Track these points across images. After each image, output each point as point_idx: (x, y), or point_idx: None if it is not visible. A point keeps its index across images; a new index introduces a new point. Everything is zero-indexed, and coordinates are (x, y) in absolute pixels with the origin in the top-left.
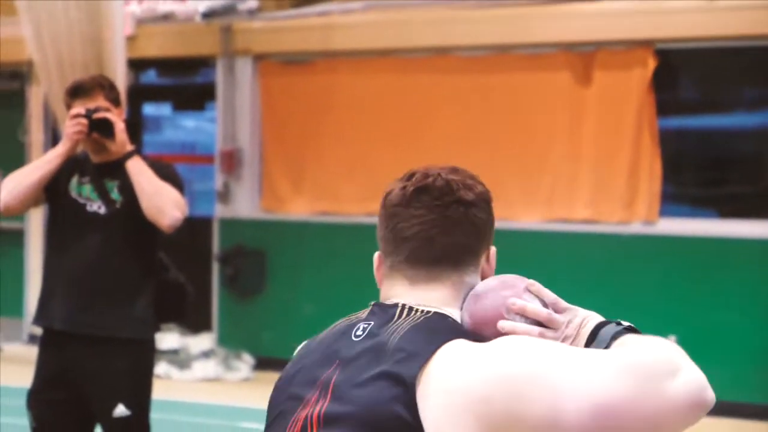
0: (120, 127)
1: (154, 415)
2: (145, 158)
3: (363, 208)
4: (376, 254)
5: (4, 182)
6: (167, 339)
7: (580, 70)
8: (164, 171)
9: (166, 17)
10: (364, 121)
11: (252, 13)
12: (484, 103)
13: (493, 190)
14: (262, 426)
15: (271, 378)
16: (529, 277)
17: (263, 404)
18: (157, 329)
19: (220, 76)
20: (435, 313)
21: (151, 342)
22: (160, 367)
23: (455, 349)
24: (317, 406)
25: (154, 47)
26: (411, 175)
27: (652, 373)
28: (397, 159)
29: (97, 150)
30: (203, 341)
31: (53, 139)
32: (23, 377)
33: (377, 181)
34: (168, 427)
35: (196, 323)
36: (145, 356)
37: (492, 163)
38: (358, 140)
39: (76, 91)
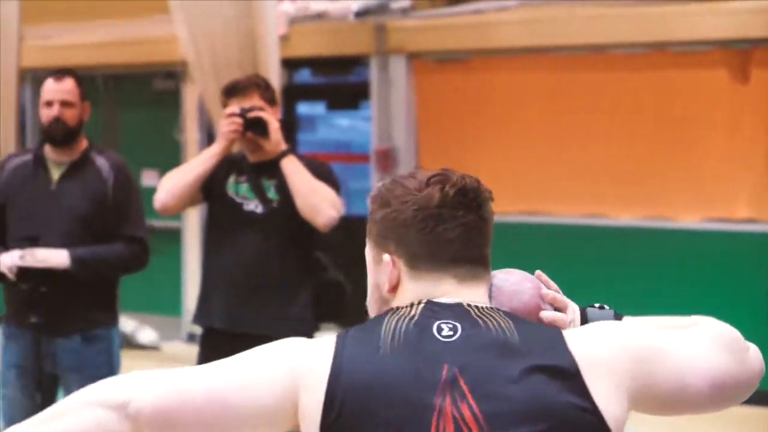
0: (274, 126)
1: None
2: (301, 157)
3: (520, 207)
4: (388, 256)
5: (162, 181)
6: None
7: (737, 67)
8: (320, 170)
9: (320, 16)
10: (519, 119)
11: (405, 11)
12: (640, 101)
13: (651, 189)
14: None
15: None
16: (690, 277)
17: None
18: (316, 329)
19: (374, 74)
20: (497, 309)
21: None
22: None
23: (580, 334)
24: (460, 408)
25: (307, 46)
26: (438, 177)
27: (738, 347)
28: (554, 157)
29: (252, 149)
30: None
31: (208, 138)
32: None
33: (534, 180)
34: None
35: (354, 323)
36: None
37: (649, 161)
38: (514, 138)
39: (232, 90)
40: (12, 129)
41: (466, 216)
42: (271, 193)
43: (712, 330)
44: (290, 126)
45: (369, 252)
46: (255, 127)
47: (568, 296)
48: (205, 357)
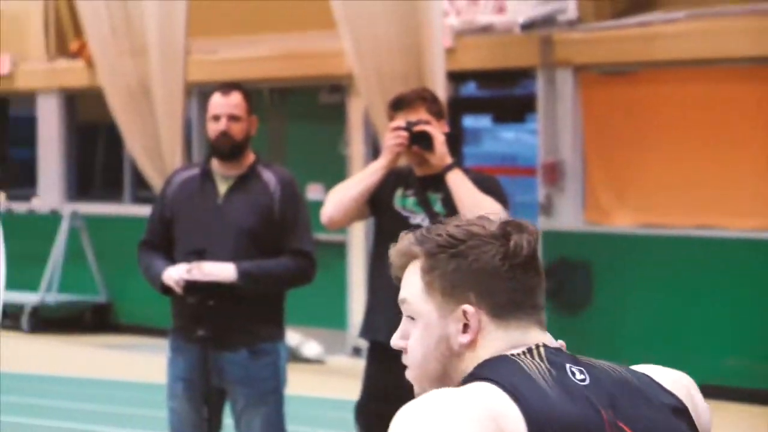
0: (440, 140)
1: None
2: (468, 171)
3: (691, 221)
4: (471, 307)
5: (329, 195)
6: None
7: None
8: (487, 183)
9: (485, 29)
10: (687, 131)
11: (572, 23)
12: None
13: None
14: None
15: None
16: None
17: None
18: None
19: (540, 87)
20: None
21: None
22: None
23: (657, 373)
24: None
25: (473, 59)
26: (514, 225)
27: None
28: (723, 170)
29: (418, 163)
30: None
31: (374, 151)
32: (347, 390)
33: (704, 194)
34: None
35: None
36: None
37: None
38: (682, 151)
39: (399, 104)
40: (178, 143)
41: (538, 263)
42: (438, 207)
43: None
44: (456, 139)
45: (427, 305)
46: (420, 140)
47: (739, 311)
48: (371, 371)
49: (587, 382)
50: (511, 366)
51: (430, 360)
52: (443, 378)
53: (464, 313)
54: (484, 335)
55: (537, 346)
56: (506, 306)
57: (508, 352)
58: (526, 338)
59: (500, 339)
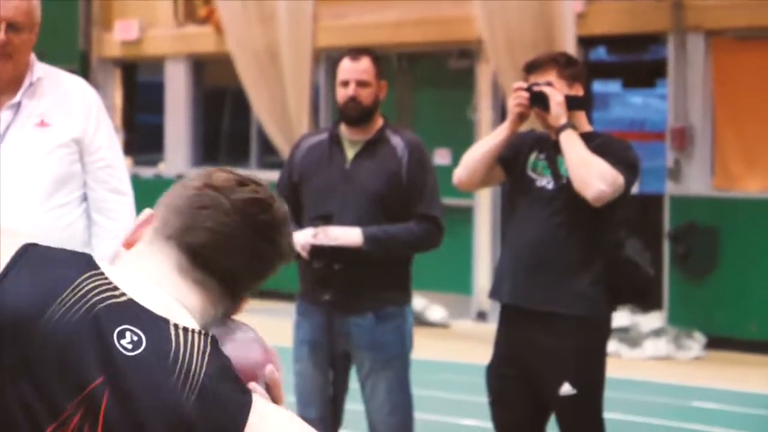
0: (556, 100)
1: (605, 393)
2: (598, 134)
3: None
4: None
5: (463, 158)
6: (617, 317)
7: None
8: (612, 147)
9: None
10: None
11: None
12: None
13: None
14: (715, 405)
15: (724, 357)
16: None
17: (715, 383)
18: (611, 308)
19: (671, 52)
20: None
21: (600, 321)
22: (610, 345)
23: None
24: None
25: (603, 24)
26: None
27: None
28: None
29: (544, 125)
30: (653, 320)
31: (502, 117)
32: (471, 354)
33: None
34: (618, 405)
35: (650, 303)
36: (593, 335)
37: None
38: None
39: (531, 67)
40: (306, 108)
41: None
42: (563, 170)
43: None
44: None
45: None
46: (539, 101)
47: None
48: (499, 333)
49: (135, 350)
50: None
51: None
52: None
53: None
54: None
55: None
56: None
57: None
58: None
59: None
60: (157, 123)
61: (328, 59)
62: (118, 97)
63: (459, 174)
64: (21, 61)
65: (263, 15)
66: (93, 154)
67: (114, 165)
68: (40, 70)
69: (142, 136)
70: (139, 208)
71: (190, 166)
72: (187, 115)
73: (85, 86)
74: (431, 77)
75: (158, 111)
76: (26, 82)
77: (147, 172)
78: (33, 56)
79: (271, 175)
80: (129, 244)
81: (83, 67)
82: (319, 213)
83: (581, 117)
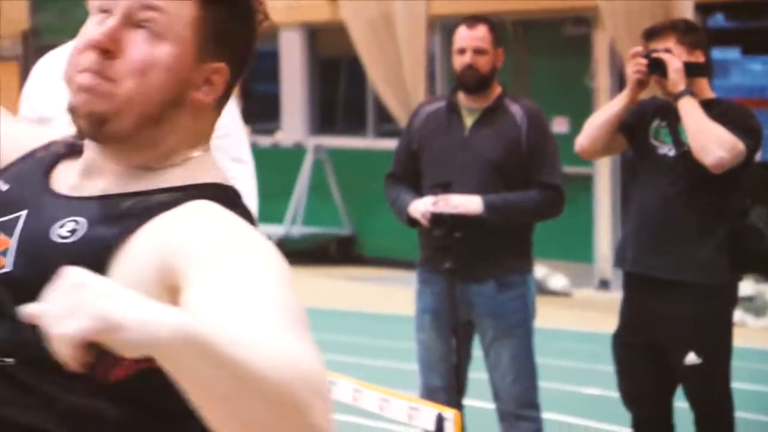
0: (674, 66)
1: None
2: (719, 102)
3: None
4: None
5: (584, 125)
6: (742, 286)
7: None
8: (733, 113)
9: None
10: None
11: None
12: None
13: None
14: None
15: None
16: None
17: None
18: (735, 276)
19: None
20: None
21: (724, 289)
22: (735, 314)
23: None
24: None
25: None
26: None
27: None
28: None
29: (664, 91)
30: None
31: (620, 84)
32: (594, 322)
33: None
34: (744, 375)
35: None
36: (717, 303)
37: None
38: None
39: (650, 34)
40: (421, 76)
41: None
42: (684, 137)
43: None
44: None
45: None
46: (657, 68)
47: None
48: (624, 301)
49: None
50: None
51: None
52: None
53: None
54: None
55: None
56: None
57: None
58: None
59: None
60: (273, 92)
61: (442, 27)
62: None
63: (581, 142)
64: None
65: None
66: None
67: (233, 134)
68: None
69: (258, 105)
70: (257, 177)
71: (307, 134)
72: (302, 84)
73: None
74: (547, 45)
75: (274, 80)
76: None
77: (264, 141)
78: None
79: (387, 143)
80: None
81: None
82: (438, 181)
83: (702, 84)
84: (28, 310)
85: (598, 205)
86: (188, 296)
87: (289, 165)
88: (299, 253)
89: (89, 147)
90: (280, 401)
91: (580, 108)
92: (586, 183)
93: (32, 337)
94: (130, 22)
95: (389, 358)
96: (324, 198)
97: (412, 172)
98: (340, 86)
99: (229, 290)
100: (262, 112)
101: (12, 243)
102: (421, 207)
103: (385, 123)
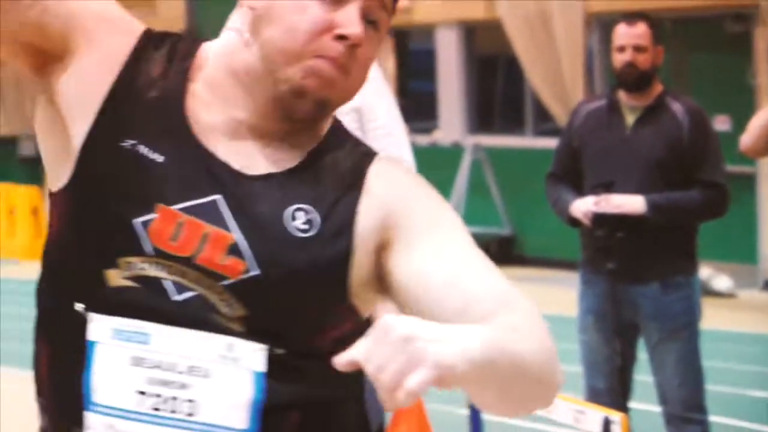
0: None
1: None
2: None
3: None
4: None
5: (749, 124)
6: None
7: None
8: None
9: None
10: None
11: None
12: None
13: None
14: None
15: None
16: None
17: None
18: None
19: None
20: None
21: None
22: None
23: None
24: None
25: None
26: None
27: None
28: None
29: None
30: None
31: None
32: (760, 324)
33: None
34: None
35: None
36: None
37: None
38: None
39: None
40: (580, 74)
41: None
42: None
43: None
44: None
45: None
46: None
47: None
48: None
49: None
50: None
51: None
52: None
53: None
54: None
55: None
56: None
57: None
58: None
59: None
60: (429, 90)
61: (600, 24)
62: (390, 64)
63: (744, 141)
64: None
65: None
66: (373, 122)
67: (394, 133)
68: None
69: (415, 103)
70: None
71: (465, 133)
72: (459, 82)
73: None
74: (706, 42)
75: (430, 78)
76: None
77: (422, 140)
78: None
79: (546, 142)
80: None
81: None
82: (600, 180)
83: None
84: (347, 358)
85: (762, 204)
86: (418, 256)
87: (447, 164)
88: None
89: (236, 105)
90: (542, 376)
91: (742, 106)
92: (749, 182)
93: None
94: (365, 17)
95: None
96: (483, 198)
97: (573, 172)
98: (498, 84)
99: (457, 250)
100: (419, 111)
101: (237, 238)
102: (583, 207)
103: (543, 121)
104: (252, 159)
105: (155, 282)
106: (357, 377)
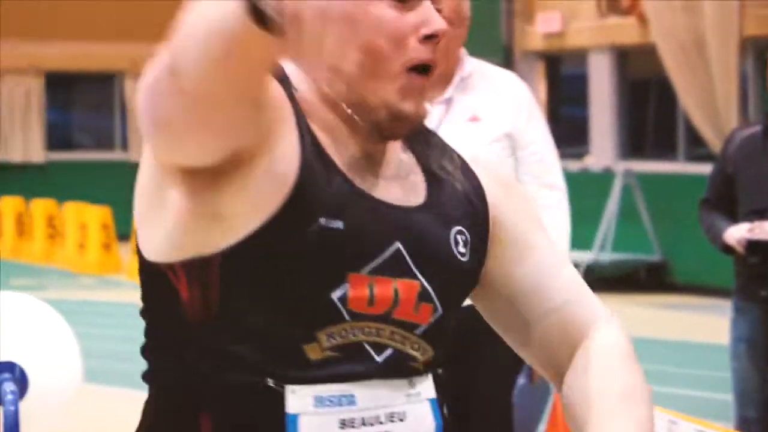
0: None
1: None
2: None
3: None
4: None
5: None
6: None
7: None
8: None
9: None
10: None
11: None
12: None
13: None
14: None
15: None
16: None
17: None
18: None
19: None
20: None
21: None
22: None
23: None
24: None
25: None
26: None
27: None
28: None
29: None
30: None
31: None
32: None
33: None
34: None
35: None
36: None
37: None
38: None
39: None
40: (734, 99)
41: None
42: None
43: None
44: None
45: None
46: None
47: None
48: None
49: None
50: None
51: None
52: None
53: None
54: None
55: None
56: None
57: None
58: None
59: None
60: (581, 115)
61: (755, 48)
62: (541, 89)
63: None
64: (452, 56)
65: (688, 4)
66: (525, 148)
67: (546, 159)
68: (470, 64)
69: (566, 129)
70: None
71: (616, 159)
72: (612, 107)
73: (515, 80)
74: None
75: (581, 103)
76: (457, 77)
77: (573, 166)
78: (463, 51)
79: (699, 168)
80: None
81: (506, 60)
82: (754, 207)
83: None
84: None
85: None
86: (537, 258)
87: (598, 190)
88: (608, 279)
89: (353, 139)
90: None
91: None
92: None
93: None
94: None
95: (704, 388)
96: (633, 223)
97: (727, 198)
98: (650, 109)
99: (556, 249)
100: (570, 136)
101: (423, 282)
102: (737, 234)
103: (695, 147)
104: (395, 186)
105: (357, 346)
106: None
